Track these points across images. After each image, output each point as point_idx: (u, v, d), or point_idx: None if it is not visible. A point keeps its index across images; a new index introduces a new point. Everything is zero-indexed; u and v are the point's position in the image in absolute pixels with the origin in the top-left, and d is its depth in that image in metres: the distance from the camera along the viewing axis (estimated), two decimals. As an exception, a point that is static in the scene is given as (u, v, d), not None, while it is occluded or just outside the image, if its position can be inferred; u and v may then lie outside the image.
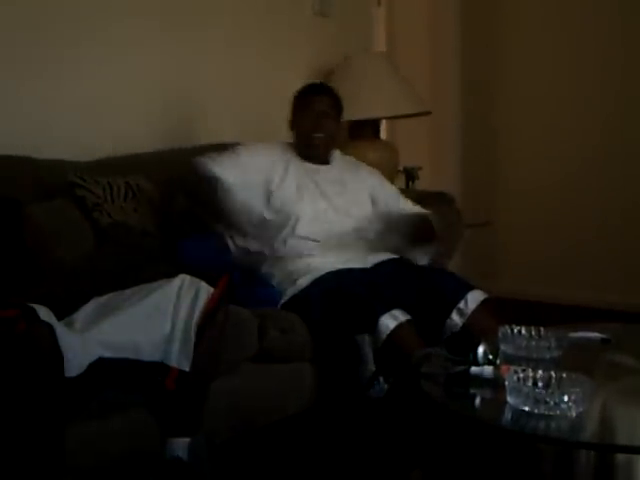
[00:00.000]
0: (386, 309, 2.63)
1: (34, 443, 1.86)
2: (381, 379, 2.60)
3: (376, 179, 3.26)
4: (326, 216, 3.01)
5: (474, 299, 2.81)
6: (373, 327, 2.61)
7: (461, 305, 2.79)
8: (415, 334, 2.60)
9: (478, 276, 4.41)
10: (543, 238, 4.67)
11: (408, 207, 3.19)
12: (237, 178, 2.86)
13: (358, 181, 3.18)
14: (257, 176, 2.97)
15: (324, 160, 3.14)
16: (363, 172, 3.25)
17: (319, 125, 3.06)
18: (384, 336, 2.60)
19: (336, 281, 2.80)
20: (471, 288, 2.85)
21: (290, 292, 2.85)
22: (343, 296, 2.72)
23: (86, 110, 3.15)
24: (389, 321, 2.61)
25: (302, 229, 2.95)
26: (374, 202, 3.17)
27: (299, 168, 3.07)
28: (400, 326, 2.61)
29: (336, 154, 3.21)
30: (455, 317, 2.78)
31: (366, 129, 4.09)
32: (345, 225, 3.03)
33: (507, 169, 4.83)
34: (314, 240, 2.95)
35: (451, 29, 4.90)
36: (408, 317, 2.64)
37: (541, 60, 4.64)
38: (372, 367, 2.61)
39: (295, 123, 3.11)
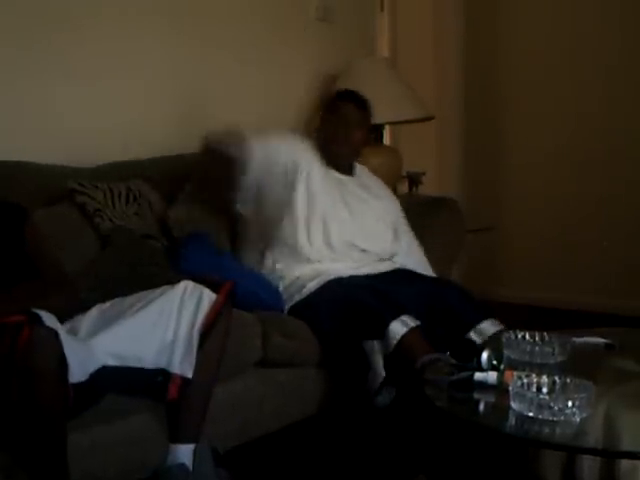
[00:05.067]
0: (395, 315, 2.61)
1: (37, 449, 1.86)
2: (386, 390, 2.59)
3: (399, 213, 3.22)
4: (346, 226, 2.99)
5: (486, 330, 2.74)
6: (382, 333, 2.59)
7: (472, 333, 2.73)
8: (425, 339, 2.57)
9: (481, 281, 4.42)
10: (546, 243, 4.67)
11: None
12: (262, 155, 2.84)
13: (380, 201, 3.15)
14: (283, 156, 2.92)
15: (347, 170, 3.11)
16: (387, 197, 3.21)
17: (347, 135, 3.01)
18: (394, 342, 2.57)
19: (344, 287, 2.79)
20: (485, 316, 2.78)
21: (297, 297, 2.84)
22: (351, 302, 2.69)
23: (87, 115, 3.16)
24: (399, 327, 2.58)
25: (332, 234, 2.95)
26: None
27: (324, 172, 3.03)
28: (410, 332, 2.57)
29: (361, 169, 3.18)
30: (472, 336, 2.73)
31: (369, 134, 4.08)
32: (362, 241, 3.02)
33: (510, 174, 4.83)
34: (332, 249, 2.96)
35: (454, 34, 4.91)
36: (418, 322, 2.61)
37: (545, 65, 4.64)
38: (382, 373, 2.59)
39: (322, 127, 3.06)
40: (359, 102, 3.07)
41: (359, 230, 3.02)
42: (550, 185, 4.67)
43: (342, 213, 3.01)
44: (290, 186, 2.92)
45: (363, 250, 3.02)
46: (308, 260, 2.93)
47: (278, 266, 2.95)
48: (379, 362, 2.60)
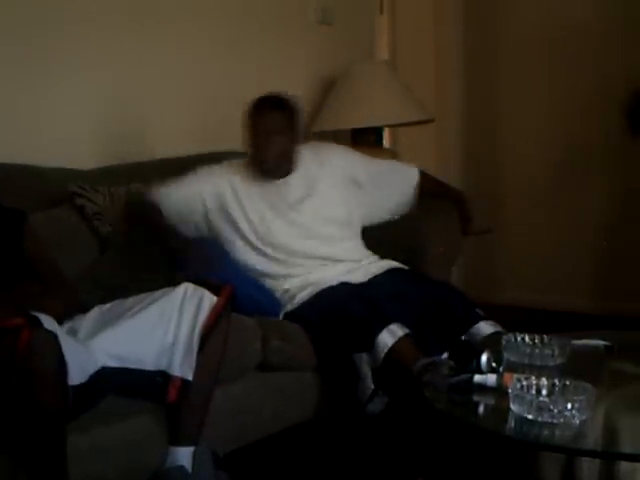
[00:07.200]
0: (383, 325, 2.58)
1: (36, 451, 1.87)
2: (378, 398, 2.59)
3: (347, 162, 3.13)
4: (300, 228, 2.93)
5: (483, 330, 2.72)
6: (371, 345, 2.57)
7: (469, 334, 2.70)
8: (414, 347, 2.55)
9: (481, 284, 4.42)
10: (545, 246, 4.67)
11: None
12: (177, 201, 2.83)
13: (328, 176, 3.04)
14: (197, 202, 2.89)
15: (283, 174, 2.98)
16: (332, 161, 3.08)
17: (266, 146, 2.87)
18: (382, 354, 2.55)
19: (333, 298, 2.75)
20: (482, 317, 2.76)
21: (289, 307, 2.81)
22: (339, 315, 2.66)
23: (87, 118, 3.16)
24: (387, 338, 2.56)
25: (281, 248, 2.90)
26: (358, 183, 3.10)
27: (254, 191, 2.94)
28: (398, 342, 2.55)
29: (307, 155, 3.01)
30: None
31: (369, 137, 4.09)
32: (325, 231, 2.96)
33: (510, 176, 4.83)
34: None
35: (454, 36, 4.91)
36: (407, 331, 2.58)
37: (546, 67, 4.64)
38: (371, 385, 2.58)
39: (247, 140, 2.92)
40: (275, 106, 2.91)
41: (317, 225, 2.96)
42: (550, 188, 4.67)
43: (289, 218, 2.94)
44: (223, 216, 2.91)
45: (333, 240, 2.98)
46: (285, 275, 2.90)
47: (266, 281, 2.90)
48: (368, 374, 2.60)
